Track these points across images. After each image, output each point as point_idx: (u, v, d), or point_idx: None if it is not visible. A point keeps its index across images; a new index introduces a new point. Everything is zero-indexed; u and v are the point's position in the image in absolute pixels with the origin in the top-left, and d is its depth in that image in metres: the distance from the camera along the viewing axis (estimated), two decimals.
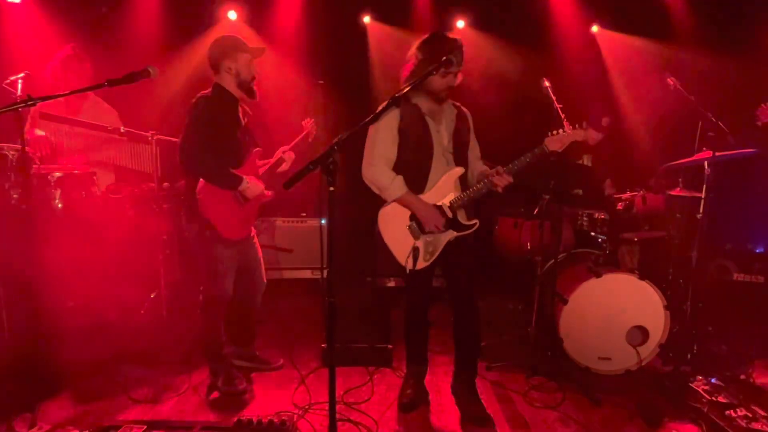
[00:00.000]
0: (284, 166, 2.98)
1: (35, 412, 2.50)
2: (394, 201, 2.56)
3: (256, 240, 2.99)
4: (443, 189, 2.55)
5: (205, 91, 2.69)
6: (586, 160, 3.92)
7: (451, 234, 2.58)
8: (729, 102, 3.91)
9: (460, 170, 2.57)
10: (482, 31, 4.88)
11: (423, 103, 2.56)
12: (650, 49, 4.69)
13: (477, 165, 2.74)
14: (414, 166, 2.56)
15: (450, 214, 2.55)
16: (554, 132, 2.50)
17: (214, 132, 2.61)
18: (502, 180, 2.48)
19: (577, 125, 2.51)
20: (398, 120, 2.53)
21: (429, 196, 2.55)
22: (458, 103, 2.72)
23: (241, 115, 2.78)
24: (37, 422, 2.46)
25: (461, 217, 2.58)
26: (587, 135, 2.55)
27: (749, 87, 4.26)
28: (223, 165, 2.66)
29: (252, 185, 2.72)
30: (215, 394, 2.80)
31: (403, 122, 2.53)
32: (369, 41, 4.95)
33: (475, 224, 2.60)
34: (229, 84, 2.70)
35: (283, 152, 2.96)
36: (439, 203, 2.55)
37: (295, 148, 3.01)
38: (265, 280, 3.04)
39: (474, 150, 2.75)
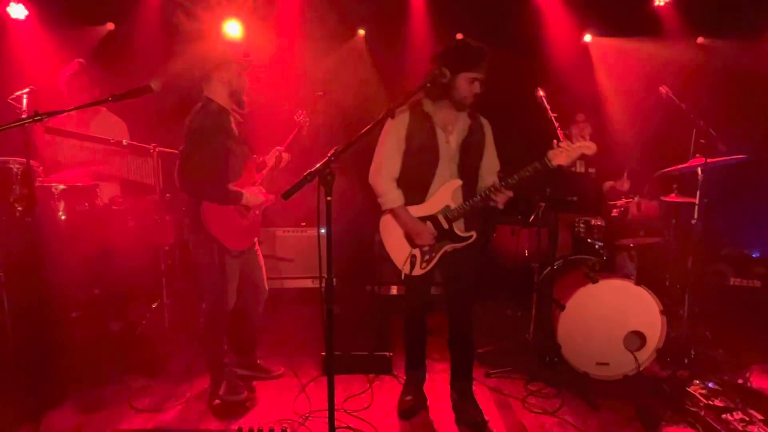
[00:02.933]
0: (281, 166, 3.00)
1: (39, 423, 2.53)
2: (386, 211, 2.62)
3: (258, 249, 3.02)
4: (440, 200, 2.57)
5: (195, 108, 2.68)
6: (579, 167, 3.96)
7: (449, 245, 2.60)
8: (723, 102, 3.96)
9: (457, 182, 2.56)
10: (475, 39, 4.95)
11: (438, 112, 2.56)
12: (643, 52, 4.75)
13: (490, 179, 2.64)
14: (417, 175, 2.58)
15: (446, 225, 2.57)
16: (559, 144, 2.39)
17: (210, 149, 2.62)
18: (501, 197, 2.48)
19: (581, 138, 2.43)
20: (405, 128, 2.55)
21: (427, 206, 2.58)
22: (476, 113, 2.67)
23: (234, 125, 2.79)
24: None
25: (458, 228, 2.59)
26: (594, 147, 2.38)
27: (745, 86, 4.33)
28: (223, 182, 2.67)
29: (252, 196, 2.77)
30: (217, 403, 2.83)
31: (410, 130, 2.55)
32: (368, 53, 5.02)
33: (471, 236, 2.60)
34: (220, 95, 2.70)
35: (279, 153, 2.98)
36: (433, 213, 2.58)
37: (291, 147, 3.02)
38: (267, 289, 3.07)
39: (490, 163, 2.67)
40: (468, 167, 2.60)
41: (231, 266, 2.76)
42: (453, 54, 2.47)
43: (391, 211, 2.60)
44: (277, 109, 3.98)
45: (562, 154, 2.40)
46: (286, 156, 3.00)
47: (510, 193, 2.48)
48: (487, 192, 2.50)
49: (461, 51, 2.48)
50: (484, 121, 2.69)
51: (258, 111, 3.83)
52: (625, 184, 3.77)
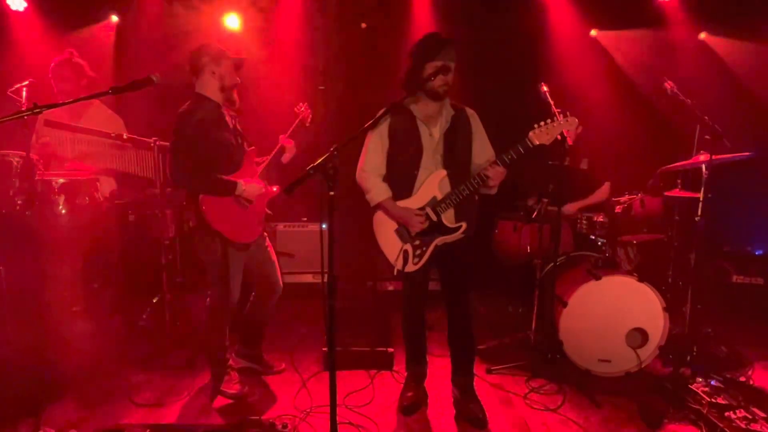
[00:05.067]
0: (287, 156, 2.96)
1: (39, 417, 2.52)
2: (375, 206, 2.62)
3: (268, 243, 2.99)
4: (427, 192, 2.57)
5: (185, 105, 2.67)
6: (584, 164, 3.94)
7: (438, 238, 2.59)
8: (728, 99, 3.93)
9: (442, 173, 2.56)
10: (482, 35, 4.91)
11: (418, 107, 2.58)
12: (647, 46, 4.71)
13: None
14: (403, 169, 2.59)
15: (434, 217, 2.56)
16: (540, 124, 2.44)
17: (202, 142, 2.61)
18: (494, 171, 2.43)
19: (562, 115, 2.45)
20: (387, 126, 2.58)
21: (415, 200, 2.58)
22: (461, 105, 2.68)
23: (228, 118, 2.78)
24: (41, 426, 2.48)
25: (447, 219, 2.57)
26: (575, 122, 2.43)
27: (749, 82, 4.30)
28: (215, 174, 2.65)
29: (249, 186, 2.72)
30: (218, 398, 2.82)
31: (392, 128, 2.58)
32: (370, 45, 4.98)
33: (460, 227, 2.59)
34: (212, 89, 2.71)
35: (283, 141, 2.94)
36: (421, 206, 2.57)
37: (293, 136, 2.99)
38: (282, 284, 3.04)
39: (482, 152, 2.65)
40: (453, 158, 2.59)
41: (235, 260, 2.74)
42: (417, 46, 2.52)
43: (379, 205, 2.61)
44: (278, 103, 3.96)
45: (542, 134, 2.43)
46: (289, 145, 2.95)
47: (496, 171, 2.45)
48: (474, 179, 2.49)
49: (424, 42, 2.52)
50: (470, 112, 2.69)
51: (260, 105, 3.81)
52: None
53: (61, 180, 3.08)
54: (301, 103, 3.07)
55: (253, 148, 2.89)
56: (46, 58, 3.40)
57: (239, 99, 2.85)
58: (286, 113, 3.14)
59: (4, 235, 2.84)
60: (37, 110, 1.92)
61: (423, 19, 4.79)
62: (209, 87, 2.71)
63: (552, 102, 2.99)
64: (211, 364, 2.89)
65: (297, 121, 3.03)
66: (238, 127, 2.87)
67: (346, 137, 1.96)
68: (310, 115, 3.06)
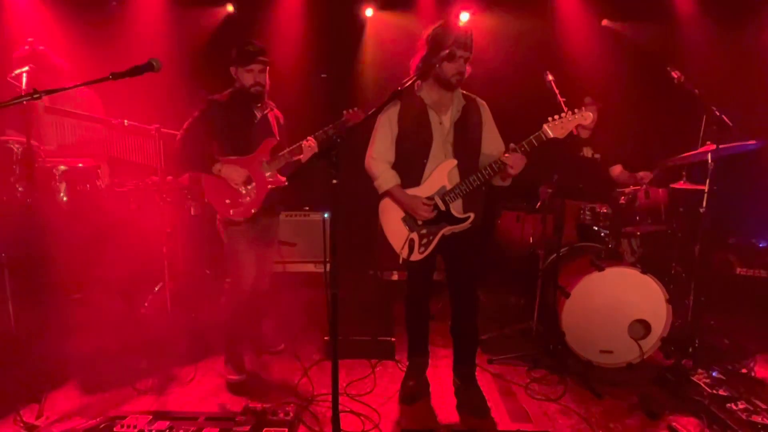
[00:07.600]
0: (304, 157, 2.91)
1: (42, 403, 2.54)
2: (383, 193, 2.60)
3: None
4: (436, 181, 2.54)
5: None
6: (587, 152, 3.90)
7: (446, 227, 2.57)
8: (734, 90, 3.89)
9: (452, 162, 2.53)
10: (486, 22, 4.85)
11: (429, 94, 2.55)
12: (654, 36, 4.66)
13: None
14: (412, 157, 2.56)
15: (443, 207, 2.54)
16: (554, 117, 2.39)
17: (206, 120, 2.73)
18: (513, 158, 2.37)
19: (576, 109, 2.40)
20: (398, 114, 2.55)
21: (424, 188, 2.55)
22: (473, 95, 2.65)
23: (256, 109, 2.84)
24: (44, 412, 2.50)
25: (456, 209, 2.55)
26: (590, 116, 2.39)
27: (757, 73, 4.25)
28: (199, 151, 2.75)
29: (227, 169, 2.75)
30: (220, 386, 2.83)
31: (402, 115, 2.54)
32: (372, 33, 4.94)
33: (468, 217, 2.56)
34: (245, 84, 2.79)
35: (305, 141, 2.92)
36: (430, 195, 2.54)
37: (323, 136, 2.93)
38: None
39: (492, 144, 2.62)
40: (463, 147, 2.55)
41: (235, 234, 2.79)
42: (433, 33, 2.48)
43: (387, 193, 2.59)
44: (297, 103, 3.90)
45: (556, 127, 2.39)
46: (309, 145, 2.88)
47: (515, 163, 2.41)
48: (486, 169, 2.46)
49: (439, 29, 2.47)
50: (481, 102, 2.66)
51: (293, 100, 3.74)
52: (646, 178, 3.65)
53: (63, 167, 3.06)
54: (356, 108, 2.97)
55: (273, 138, 2.88)
56: (47, 44, 3.36)
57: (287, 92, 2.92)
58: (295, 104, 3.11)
59: (5, 222, 2.83)
60: (37, 96, 1.90)
61: (427, 6, 4.73)
62: (242, 82, 2.79)
63: (557, 91, 2.96)
64: (226, 344, 2.95)
65: (339, 121, 2.92)
66: (276, 119, 2.94)
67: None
68: (358, 118, 2.92)
